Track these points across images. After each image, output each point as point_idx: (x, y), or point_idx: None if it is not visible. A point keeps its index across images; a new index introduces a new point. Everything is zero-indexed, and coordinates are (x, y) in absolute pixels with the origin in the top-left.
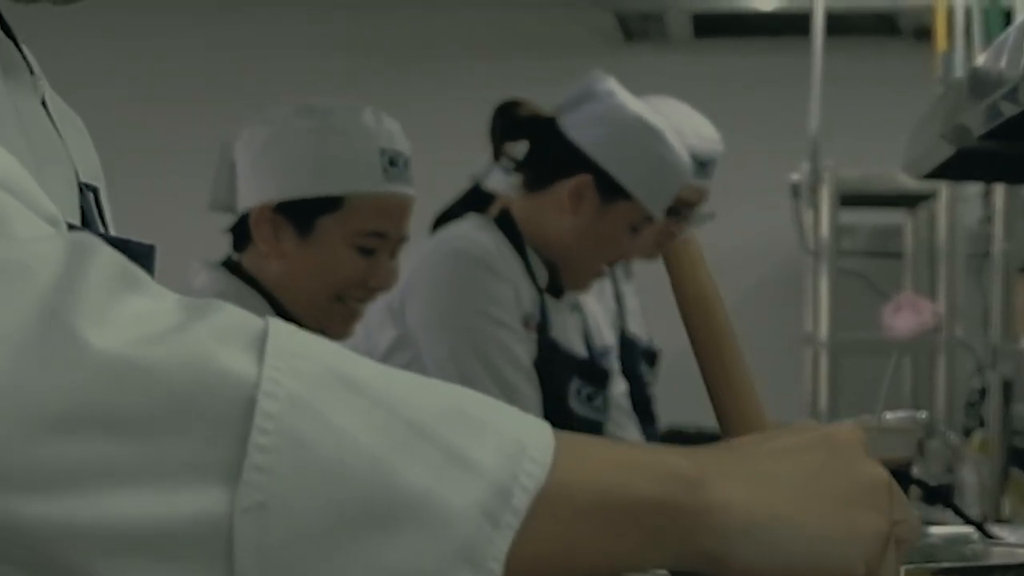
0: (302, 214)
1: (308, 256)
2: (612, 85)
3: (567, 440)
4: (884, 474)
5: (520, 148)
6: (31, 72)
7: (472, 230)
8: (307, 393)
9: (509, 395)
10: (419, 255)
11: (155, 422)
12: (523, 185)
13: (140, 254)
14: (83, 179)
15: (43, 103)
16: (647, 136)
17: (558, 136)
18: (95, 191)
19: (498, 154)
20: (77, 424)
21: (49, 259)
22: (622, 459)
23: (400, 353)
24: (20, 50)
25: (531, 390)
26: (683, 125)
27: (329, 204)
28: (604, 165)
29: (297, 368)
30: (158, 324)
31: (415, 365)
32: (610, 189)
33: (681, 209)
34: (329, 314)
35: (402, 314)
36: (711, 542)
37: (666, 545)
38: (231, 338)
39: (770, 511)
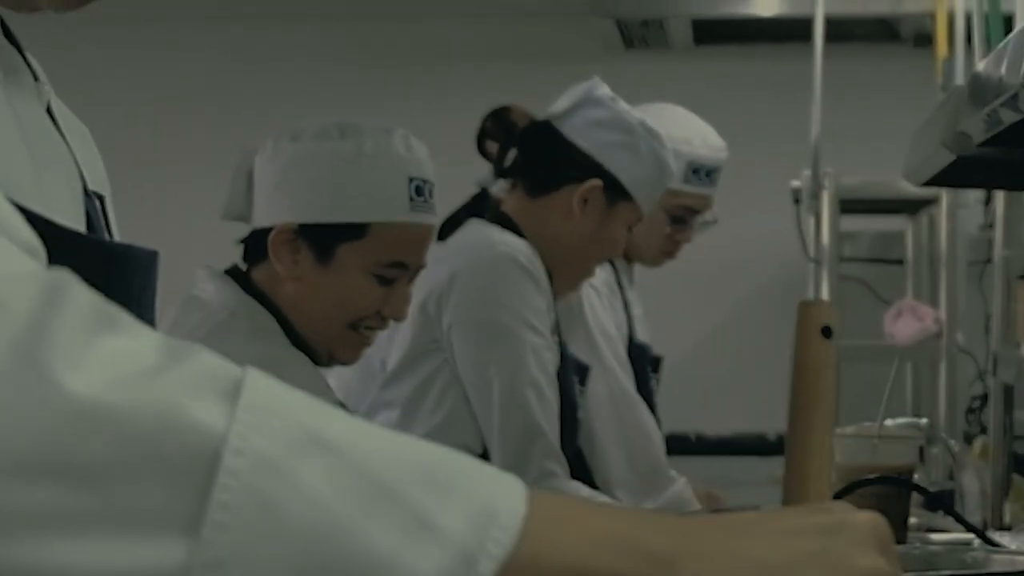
0: (324, 239)
1: (325, 283)
2: (609, 91)
3: (541, 504)
4: (887, 570)
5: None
6: (35, 78)
7: (508, 237)
8: (275, 451)
9: (540, 402)
10: (454, 258)
11: (119, 471)
12: (521, 189)
13: (142, 260)
14: (90, 187)
15: (48, 109)
16: (650, 140)
17: (561, 142)
18: (101, 199)
19: (501, 159)
20: (42, 469)
21: (25, 297)
22: (595, 530)
23: (427, 360)
24: (24, 56)
25: (555, 399)
26: (690, 134)
27: (353, 231)
28: (612, 169)
29: (267, 424)
30: (133, 366)
31: (444, 370)
32: (615, 192)
33: (687, 217)
34: (341, 341)
35: (438, 318)
36: None
37: None
38: (204, 387)
39: None
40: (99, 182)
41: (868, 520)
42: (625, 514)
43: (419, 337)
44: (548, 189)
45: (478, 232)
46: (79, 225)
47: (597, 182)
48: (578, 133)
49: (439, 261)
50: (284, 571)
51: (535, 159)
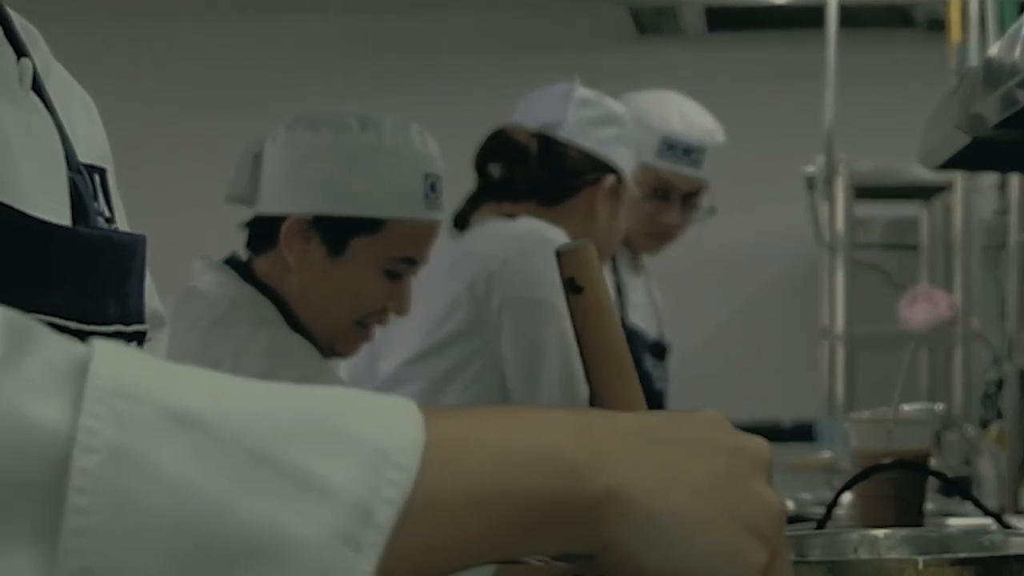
0: (337, 232)
1: (335, 276)
2: (589, 90)
3: (440, 428)
4: (781, 505)
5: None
6: (20, 56)
7: (553, 227)
8: (130, 440)
9: (577, 380)
10: (501, 244)
11: None
12: (532, 202)
13: (123, 246)
14: (86, 160)
15: (36, 83)
16: (633, 127)
17: (568, 148)
18: (101, 172)
19: (525, 177)
20: None
21: None
22: (502, 450)
23: (468, 340)
24: (10, 34)
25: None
26: (667, 111)
27: (367, 226)
28: (616, 163)
29: (119, 411)
30: None
31: (484, 352)
32: (621, 184)
33: (669, 195)
34: (346, 336)
35: (487, 298)
36: (603, 530)
37: (554, 536)
38: (46, 381)
39: (669, 509)
40: (97, 154)
41: (759, 446)
42: (535, 420)
43: (464, 318)
44: (566, 196)
45: (520, 223)
46: (61, 207)
47: (613, 178)
48: (578, 135)
49: (487, 244)
50: (155, 566)
51: (551, 171)
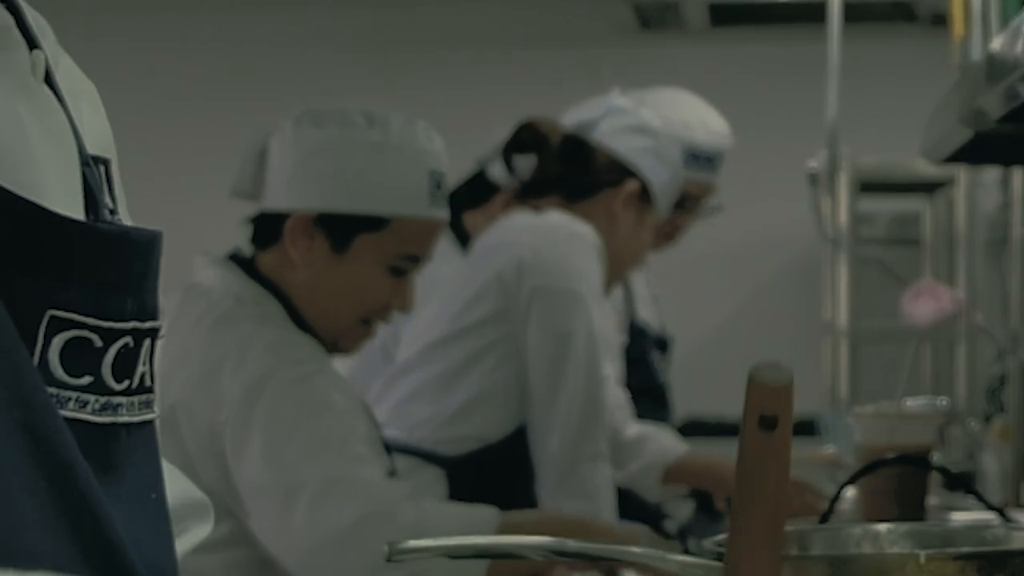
0: (342, 229)
1: (340, 273)
2: (628, 100)
3: None
4: None
5: (525, 162)
6: (32, 47)
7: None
8: None
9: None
10: (532, 236)
11: None
12: (556, 197)
13: (142, 243)
14: (92, 152)
15: (48, 75)
16: (670, 144)
17: (596, 148)
18: (106, 163)
19: (548, 171)
20: None
21: None
22: None
23: (491, 328)
24: (22, 25)
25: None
26: (690, 118)
27: (372, 223)
28: (642, 173)
29: None
30: None
31: (506, 341)
32: (645, 197)
33: (686, 202)
34: (350, 333)
35: (516, 286)
36: None
37: None
38: None
39: None
40: (103, 146)
41: None
42: None
43: (490, 305)
44: (587, 195)
45: (550, 216)
46: (76, 203)
47: (636, 184)
48: (608, 139)
49: (517, 234)
50: None
51: (574, 167)
